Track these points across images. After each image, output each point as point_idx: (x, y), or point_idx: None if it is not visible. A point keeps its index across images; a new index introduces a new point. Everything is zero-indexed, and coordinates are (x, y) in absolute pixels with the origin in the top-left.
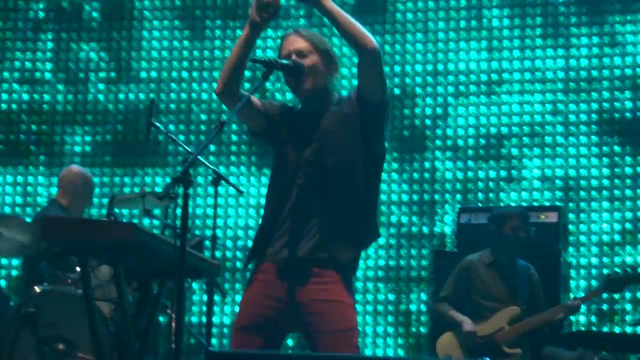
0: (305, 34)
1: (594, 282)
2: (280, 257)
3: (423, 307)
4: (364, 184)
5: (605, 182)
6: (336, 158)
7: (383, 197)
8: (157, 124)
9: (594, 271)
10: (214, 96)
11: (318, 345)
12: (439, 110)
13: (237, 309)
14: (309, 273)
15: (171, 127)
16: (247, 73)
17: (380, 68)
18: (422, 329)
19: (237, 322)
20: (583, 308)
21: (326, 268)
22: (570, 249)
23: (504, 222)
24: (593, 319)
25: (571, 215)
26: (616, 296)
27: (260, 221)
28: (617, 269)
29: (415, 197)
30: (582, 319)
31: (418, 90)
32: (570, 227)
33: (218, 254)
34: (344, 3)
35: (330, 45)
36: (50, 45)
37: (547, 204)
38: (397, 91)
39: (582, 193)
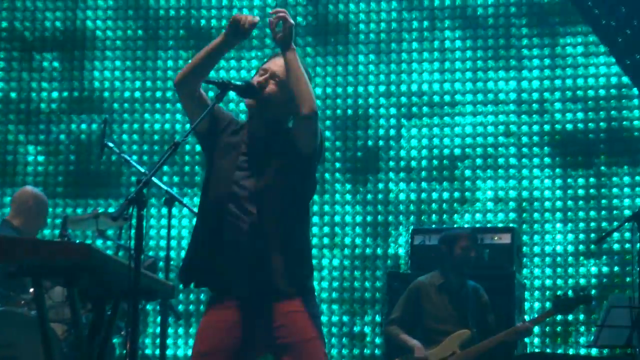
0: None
1: (548, 304)
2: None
3: (377, 329)
4: (296, 218)
5: (559, 203)
6: (270, 190)
7: (337, 218)
8: (110, 144)
9: (547, 292)
10: (167, 125)
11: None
12: (392, 132)
13: (192, 330)
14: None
15: (125, 147)
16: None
17: (315, 128)
18: (377, 351)
19: (196, 347)
20: (536, 329)
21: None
22: (524, 271)
23: (454, 243)
24: (547, 340)
25: (525, 237)
26: (569, 317)
27: (192, 234)
28: (568, 291)
29: (369, 218)
30: (535, 340)
31: (371, 111)
32: (524, 248)
33: (172, 275)
34: (305, 23)
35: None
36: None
37: (500, 225)
38: (349, 112)
39: (536, 214)
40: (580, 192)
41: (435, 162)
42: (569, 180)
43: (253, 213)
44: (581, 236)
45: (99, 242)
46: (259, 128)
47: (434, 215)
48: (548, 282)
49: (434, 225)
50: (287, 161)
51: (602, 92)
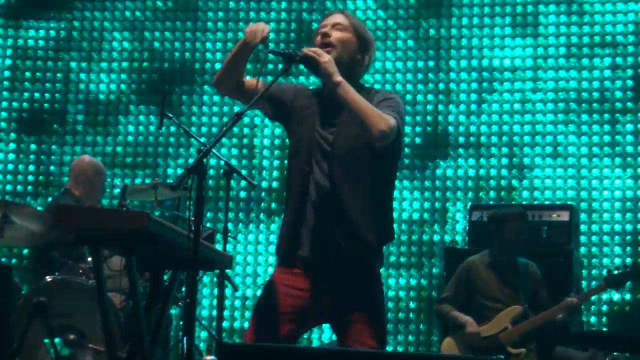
0: (349, 14)
1: None
2: (311, 260)
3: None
4: (384, 177)
5: (618, 182)
6: (353, 147)
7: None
8: (170, 114)
9: (605, 271)
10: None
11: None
12: (462, 107)
13: (248, 303)
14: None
15: (183, 119)
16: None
17: (396, 136)
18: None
19: (259, 306)
20: (594, 308)
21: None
22: (582, 249)
23: (503, 223)
24: (604, 319)
25: (583, 215)
26: (627, 297)
27: (283, 215)
28: (618, 267)
29: (426, 193)
30: (592, 319)
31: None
32: (583, 226)
33: (229, 246)
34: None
35: (370, 35)
36: None
37: (558, 202)
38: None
39: (594, 193)
40: None
41: (494, 138)
42: (629, 159)
43: (334, 175)
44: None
45: (158, 213)
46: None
47: (492, 192)
48: (606, 260)
49: (491, 202)
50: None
51: None
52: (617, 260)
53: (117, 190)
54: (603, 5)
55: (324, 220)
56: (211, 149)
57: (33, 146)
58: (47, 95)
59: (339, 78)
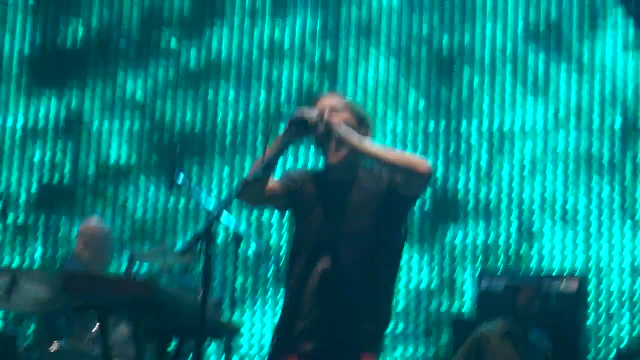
0: (340, 95)
1: (612, 354)
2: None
3: None
4: (387, 264)
5: (626, 252)
6: (363, 233)
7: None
8: (182, 175)
9: (613, 341)
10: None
11: None
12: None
13: None
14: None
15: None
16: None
17: (430, 181)
18: None
19: None
20: None
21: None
22: (591, 318)
23: (518, 293)
24: None
25: (592, 284)
26: None
27: (282, 301)
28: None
29: (435, 260)
30: None
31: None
32: (591, 295)
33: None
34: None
35: (365, 112)
36: None
37: (567, 271)
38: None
39: (603, 262)
40: None
41: (504, 202)
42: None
43: (341, 263)
44: None
45: (165, 279)
46: (344, 171)
47: (501, 258)
48: (614, 330)
49: (500, 269)
50: (379, 203)
51: None
52: (627, 328)
53: (125, 255)
54: (613, 63)
55: (327, 311)
56: (220, 214)
57: (42, 219)
58: (57, 169)
59: (354, 141)
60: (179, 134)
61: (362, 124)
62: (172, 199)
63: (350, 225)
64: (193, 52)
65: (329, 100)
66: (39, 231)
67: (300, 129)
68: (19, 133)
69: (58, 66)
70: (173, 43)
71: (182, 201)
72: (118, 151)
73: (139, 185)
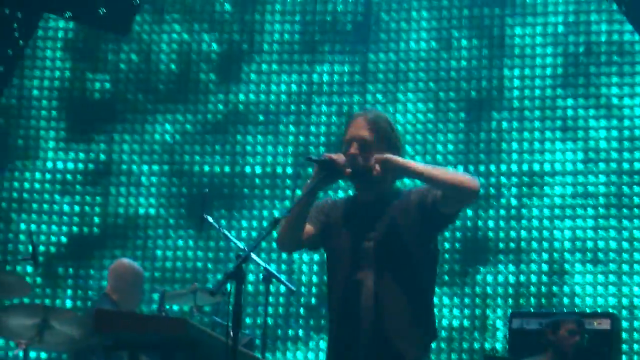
0: (371, 117)
1: None
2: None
3: None
4: (425, 278)
5: None
6: (399, 249)
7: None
8: (210, 218)
9: None
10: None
11: None
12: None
13: None
14: None
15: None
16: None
17: (476, 198)
18: None
19: None
20: None
21: None
22: (624, 358)
23: (560, 327)
24: None
25: (625, 323)
26: None
27: (328, 331)
28: None
29: (466, 300)
30: None
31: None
32: (624, 334)
33: (268, 354)
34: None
35: (395, 132)
36: None
37: (599, 310)
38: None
39: (636, 300)
40: None
41: (534, 244)
42: None
43: (378, 286)
44: None
45: (197, 318)
46: (375, 193)
47: (532, 299)
48: None
49: (532, 309)
50: (412, 221)
51: None
52: None
53: (156, 295)
54: None
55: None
56: (250, 254)
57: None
58: (86, 219)
59: (401, 163)
60: (208, 181)
61: (391, 147)
62: (201, 243)
63: (385, 239)
64: (221, 97)
65: (359, 130)
66: (68, 281)
67: (329, 173)
68: (48, 185)
69: (86, 118)
70: (202, 89)
71: (212, 245)
72: (147, 200)
73: (169, 232)
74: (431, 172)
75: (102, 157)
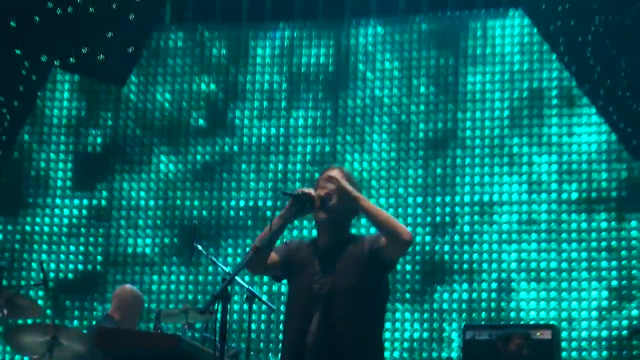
0: (344, 169)
1: None
2: None
3: None
4: (373, 322)
5: (594, 303)
6: (349, 296)
7: (397, 314)
8: (199, 247)
9: None
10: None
11: None
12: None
13: None
14: None
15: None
16: None
17: (409, 248)
18: None
19: None
20: None
21: None
22: None
23: (510, 340)
24: None
25: (564, 333)
26: None
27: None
28: None
29: (425, 315)
30: None
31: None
32: (563, 343)
33: None
34: None
35: (359, 186)
36: None
37: (542, 322)
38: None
39: (574, 313)
40: (614, 282)
41: (485, 265)
42: (603, 272)
43: (332, 322)
44: (614, 332)
45: (188, 334)
46: (329, 237)
47: (483, 313)
48: None
49: (483, 322)
50: (362, 266)
51: None
52: None
53: (152, 315)
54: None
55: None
56: (235, 277)
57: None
58: (90, 257)
59: (356, 193)
60: (197, 214)
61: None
62: (192, 269)
63: (338, 285)
64: (208, 148)
65: (331, 171)
66: (75, 312)
67: (300, 205)
68: (56, 229)
69: (87, 170)
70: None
71: (201, 269)
72: (144, 241)
73: (163, 269)
74: (378, 211)
75: (104, 203)
